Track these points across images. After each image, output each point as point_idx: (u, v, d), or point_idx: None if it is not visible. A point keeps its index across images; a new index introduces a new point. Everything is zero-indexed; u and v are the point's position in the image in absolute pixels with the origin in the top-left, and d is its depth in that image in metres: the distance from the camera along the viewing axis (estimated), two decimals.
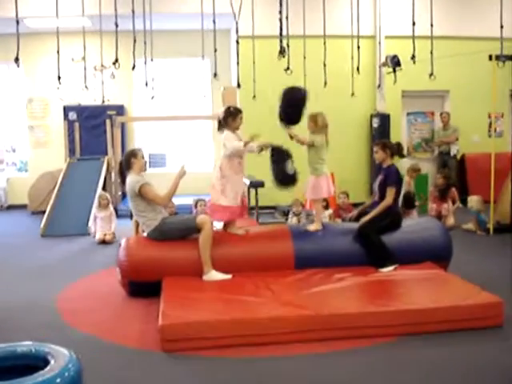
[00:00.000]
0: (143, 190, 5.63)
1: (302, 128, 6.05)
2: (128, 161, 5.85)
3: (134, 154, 5.91)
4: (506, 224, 8.69)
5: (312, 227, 6.02)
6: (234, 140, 5.81)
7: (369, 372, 3.75)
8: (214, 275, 5.40)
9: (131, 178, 5.74)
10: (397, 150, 6.22)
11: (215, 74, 7.83)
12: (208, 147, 13.18)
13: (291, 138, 5.93)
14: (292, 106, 5.91)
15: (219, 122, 5.99)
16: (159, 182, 6.17)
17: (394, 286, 5.17)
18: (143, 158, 5.93)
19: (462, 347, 4.12)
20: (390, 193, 5.96)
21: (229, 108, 6.05)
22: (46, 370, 2.57)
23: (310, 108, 6.04)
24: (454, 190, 9.51)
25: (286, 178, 5.90)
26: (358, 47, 8.78)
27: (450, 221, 8.99)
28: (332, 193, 6.29)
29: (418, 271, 5.45)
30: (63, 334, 4.46)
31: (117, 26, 6.99)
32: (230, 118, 5.90)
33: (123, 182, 5.94)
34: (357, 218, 6.28)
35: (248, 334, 4.22)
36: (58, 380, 2.51)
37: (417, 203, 8.99)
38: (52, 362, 2.65)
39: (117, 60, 6.95)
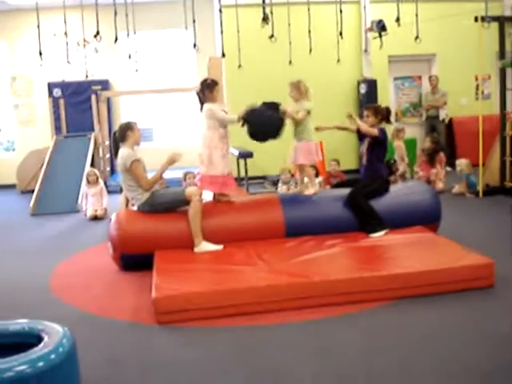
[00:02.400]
0: (133, 166, 5.58)
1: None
2: (123, 133, 5.73)
3: (130, 126, 5.77)
4: (495, 186, 8.73)
5: (309, 191, 6.04)
6: (221, 111, 5.77)
7: (364, 337, 3.77)
8: (205, 246, 5.41)
9: (124, 152, 5.66)
10: (386, 115, 6.20)
11: (194, 45, 7.70)
12: (195, 119, 13.09)
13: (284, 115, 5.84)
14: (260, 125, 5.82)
15: (198, 96, 5.93)
16: (146, 157, 6.11)
17: (385, 250, 5.19)
18: (139, 131, 5.83)
19: (455, 309, 4.15)
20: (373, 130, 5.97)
21: (205, 80, 5.98)
22: (40, 346, 2.57)
23: (294, 76, 5.98)
24: (442, 154, 9.51)
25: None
26: (341, 11, 8.66)
27: (439, 185, 9.01)
28: (320, 158, 6.31)
29: (408, 235, 5.47)
30: (56, 311, 4.45)
31: None
32: (207, 91, 5.84)
33: (116, 154, 5.83)
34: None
35: (242, 304, 4.23)
36: (53, 356, 2.51)
37: (400, 170, 9.03)
38: (46, 338, 2.65)
39: (98, 33, 6.82)
